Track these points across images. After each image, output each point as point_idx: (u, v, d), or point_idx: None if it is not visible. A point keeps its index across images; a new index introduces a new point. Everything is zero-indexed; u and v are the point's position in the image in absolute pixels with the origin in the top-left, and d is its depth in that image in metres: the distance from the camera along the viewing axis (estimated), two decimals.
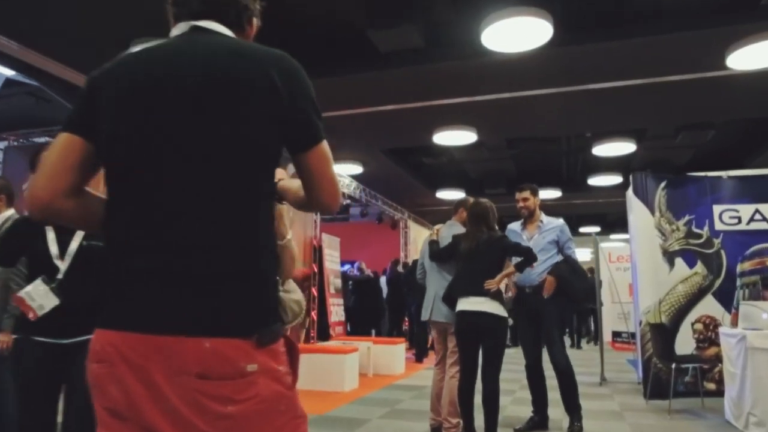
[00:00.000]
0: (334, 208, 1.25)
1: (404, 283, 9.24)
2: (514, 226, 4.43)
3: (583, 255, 18.35)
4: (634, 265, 6.12)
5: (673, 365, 4.82)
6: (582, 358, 9.28)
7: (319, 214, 8.73)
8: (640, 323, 5.77)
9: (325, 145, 1.18)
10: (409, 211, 13.70)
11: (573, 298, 4.10)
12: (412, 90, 6.57)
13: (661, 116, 7.55)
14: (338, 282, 8.82)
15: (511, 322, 3.90)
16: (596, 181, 10.86)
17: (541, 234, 4.24)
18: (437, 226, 4.16)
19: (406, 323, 10.26)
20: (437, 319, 3.94)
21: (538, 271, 4.11)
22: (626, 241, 11.25)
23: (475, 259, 3.61)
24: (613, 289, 10.31)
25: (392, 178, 11.00)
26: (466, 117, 7.57)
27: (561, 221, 4.30)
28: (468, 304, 3.55)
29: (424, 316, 4.05)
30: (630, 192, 6.05)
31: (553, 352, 4.01)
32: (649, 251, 5.81)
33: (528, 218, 4.35)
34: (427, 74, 6.09)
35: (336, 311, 8.55)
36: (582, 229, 17.73)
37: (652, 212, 5.83)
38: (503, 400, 5.56)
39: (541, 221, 4.30)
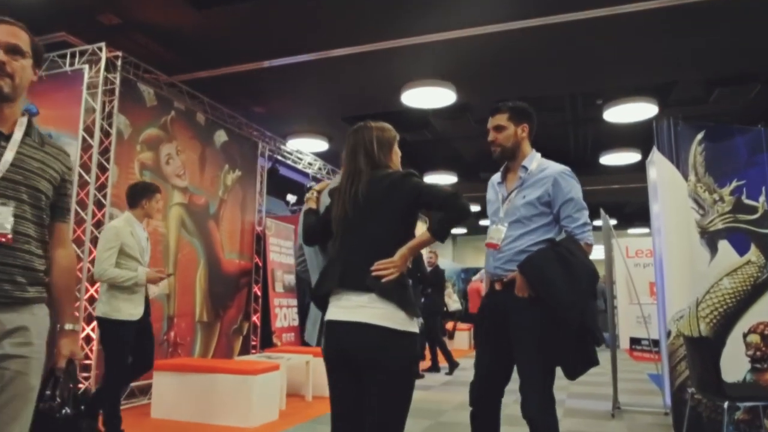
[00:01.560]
0: None
1: None
2: (495, 177, 2.68)
3: (594, 251, 16.52)
4: (659, 254, 4.43)
5: (726, 404, 3.07)
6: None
7: (263, 200, 7.13)
8: (668, 334, 4.07)
9: None
10: None
11: (557, 308, 2.24)
12: (355, 22, 4.95)
13: (691, 61, 5.82)
14: (290, 278, 7.21)
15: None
16: (610, 159, 9.15)
17: (521, 191, 2.45)
18: (317, 186, 2.38)
19: None
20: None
21: (507, 254, 2.41)
22: (648, 235, 9.51)
23: (354, 223, 1.93)
24: (631, 288, 8.73)
25: None
26: (437, 67, 5.94)
27: (560, 168, 2.45)
28: (340, 308, 1.88)
29: (309, 339, 2.36)
30: (654, 151, 4.35)
31: (525, 400, 2.27)
32: (682, 231, 4.11)
33: (510, 161, 2.56)
34: None
35: (285, 314, 6.94)
36: (594, 223, 16.00)
37: (685, 176, 4.13)
38: None
39: (524, 167, 2.48)
